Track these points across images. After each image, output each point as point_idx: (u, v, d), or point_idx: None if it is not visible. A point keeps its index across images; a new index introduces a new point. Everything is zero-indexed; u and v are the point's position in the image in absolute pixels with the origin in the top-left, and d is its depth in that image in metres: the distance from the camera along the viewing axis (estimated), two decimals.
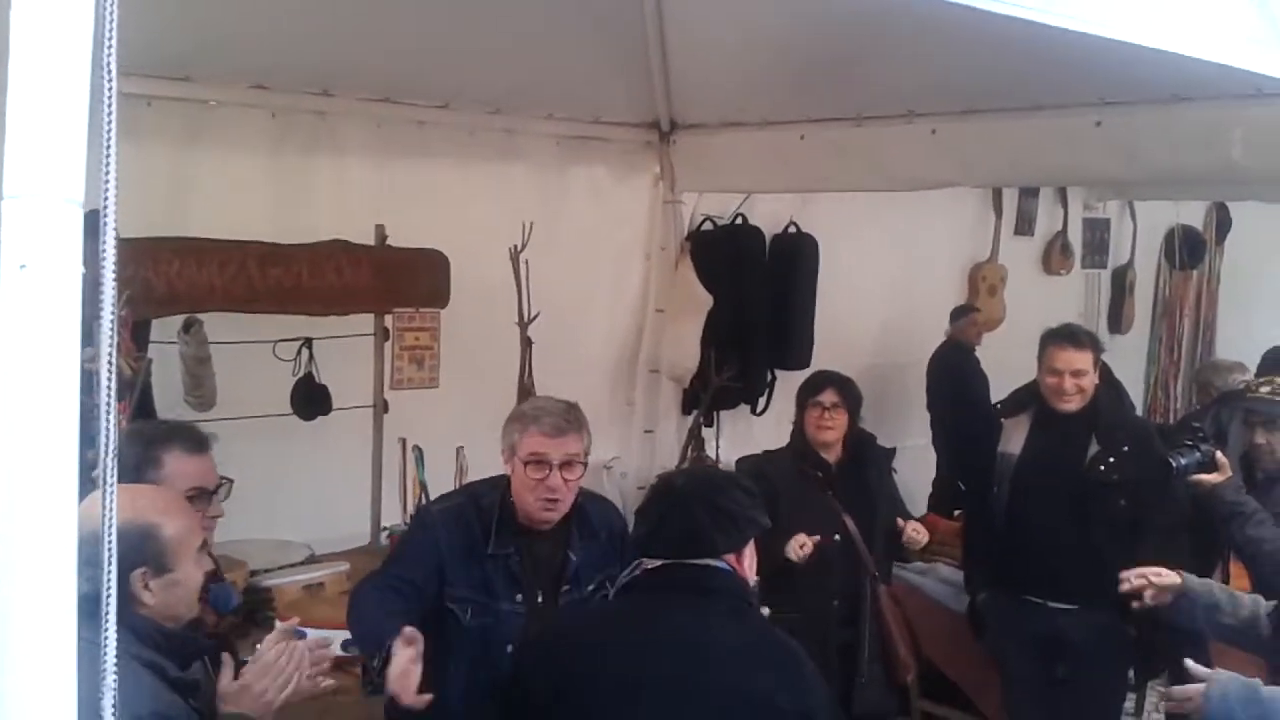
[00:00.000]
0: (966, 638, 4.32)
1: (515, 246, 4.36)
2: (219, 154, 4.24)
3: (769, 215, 5.85)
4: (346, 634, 3.51)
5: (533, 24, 4.24)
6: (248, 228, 4.01)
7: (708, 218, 5.76)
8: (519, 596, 2.77)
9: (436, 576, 2.77)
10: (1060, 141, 4.24)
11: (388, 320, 4.35)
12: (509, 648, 2.67)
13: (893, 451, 3.99)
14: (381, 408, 4.37)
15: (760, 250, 5.88)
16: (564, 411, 2.80)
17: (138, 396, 3.83)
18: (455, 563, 2.77)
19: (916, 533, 3.69)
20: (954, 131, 4.48)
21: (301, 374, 4.23)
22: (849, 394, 3.83)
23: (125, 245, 3.60)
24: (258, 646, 2.23)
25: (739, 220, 5.80)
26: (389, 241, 4.30)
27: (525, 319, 4.44)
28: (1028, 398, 3.89)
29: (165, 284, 3.78)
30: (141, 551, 1.89)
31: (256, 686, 2.11)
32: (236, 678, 2.12)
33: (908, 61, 4.30)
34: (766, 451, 4.03)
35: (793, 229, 5.91)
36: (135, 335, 3.77)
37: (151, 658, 1.90)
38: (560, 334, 4.87)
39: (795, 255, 5.91)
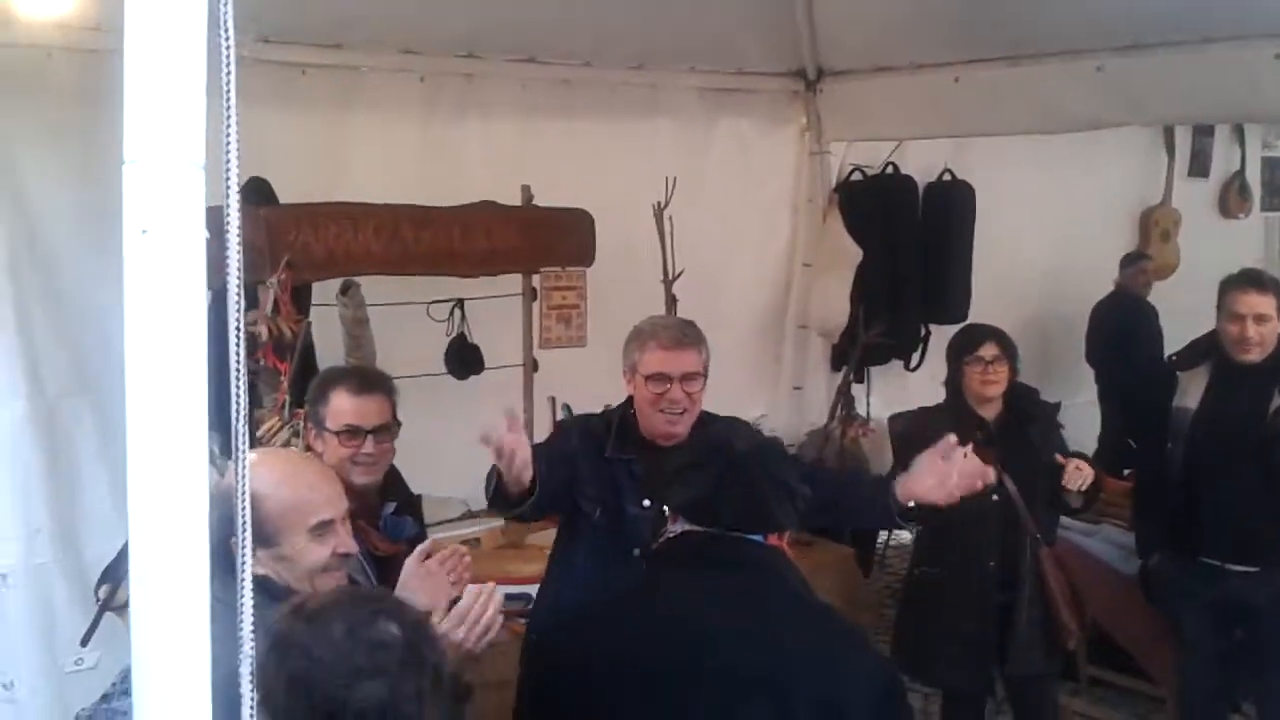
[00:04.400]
0: (1136, 601, 4.12)
1: (659, 203, 4.31)
2: (371, 119, 4.33)
3: (922, 163, 5.65)
4: (504, 589, 3.63)
5: None
6: (399, 191, 4.08)
7: (857, 168, 5.61)
8: (646, 502, 2.77)
9: (568, 471, 2.82)
10: (1237, 75, 3.96)
11: (535, 280, 4.38)
12: (636, 551, 2.68)
13: (1057, 406, 3.78)
14: (531, 366, 4.41)
15: (913, 200, 5.70)
16: (681, 326, 2.86)
17: (299, 357, 3.98)
18: (586, 463, 2.84)
19: (1079, 470, 3.45)
20: (1120, 68, 4.23)
21: (454, 334, 4.30)
22: (1008, 346, 3.65)
23: (284, 211, 3.73)
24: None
25: (890, 170, 5.63)
26: (535, 201, 4.32)
27: (670, 276, 4.39)
28: (1206, 348, 3.65)
29: (324, 248, 3.87)
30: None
31: (455, 635, 2.06)
32: None
33: None
34: (922, 409, 3.89)
35: (947, 177, 5.70)
36: (296, 299, 3.90)
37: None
38: (705, 290, 4.81)
39: (950, 204, 5.71)
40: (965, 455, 3.39)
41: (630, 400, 2.92)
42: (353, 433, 2.61)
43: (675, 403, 2.78)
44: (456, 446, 4.33)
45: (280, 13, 3.93)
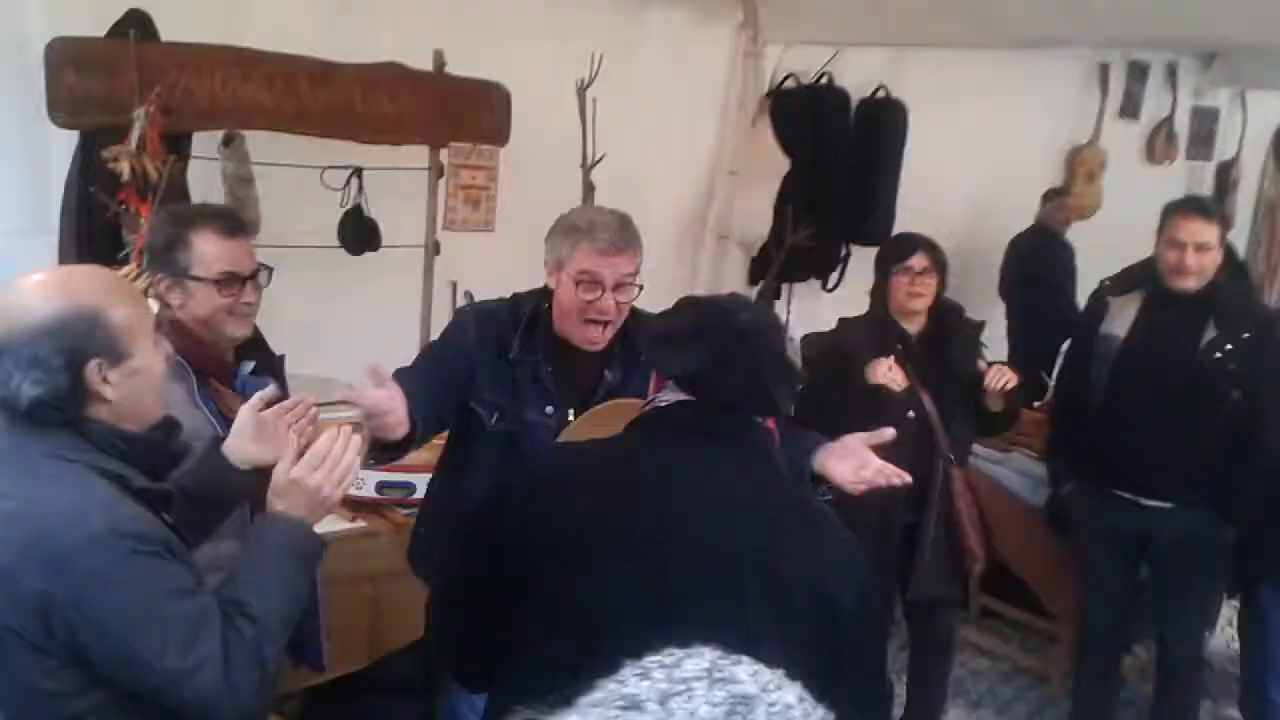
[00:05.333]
0: (1040, 534, 4.05)
1: (582, 80, 4.01)
2: None
3: (857, 78, 5.42)
4: (381, 477, 3.36)
5: None
6: (297, 43, 3.71)
7: (790, 75, 5.35)
8: (549, 408, 2.52)
9: (465, 373, 2.53)
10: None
11: (443, 156, 4.06)
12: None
13: (981, 324, 3.63)
14: (433, 248, 4.11)
15: (845, 114, 5.48)
16: (619, 227, 2.49)
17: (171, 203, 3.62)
18: (484, 363, 2.53)
19: (1001, 372, 3.32)
20: None
21: (350, 206, 3.97)
22: (939, 259, 3.48)
23: (163, 49, 3.32)
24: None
25: (824, 81, 5.39)
26: (448, 71, 3.98)
27: (588, 161, 4.11)
28: (1140, 276, 3.52)
29: (207, 95, 3.50)
30: (92, 340, 1.65)
31: (310, 480, 1.83)
32: None
33: None
34: (841, 319, 3.71)
35: (881, 94, 5.49)
36: (175, 146, 3.53)
37: (114, 468, 1.66)
38: (625, 186, 4.53)
39: (882, 122, 5.50)
40: (890, 368, 3.26)
41: (545, 293, 2.58)
42: (231, 279, 2.33)
43: (604, 311, 2.46)
44: (345, 325, 4.08)
45: None
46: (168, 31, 3.47)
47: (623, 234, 2.48)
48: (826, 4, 4.91)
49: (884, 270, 3.52)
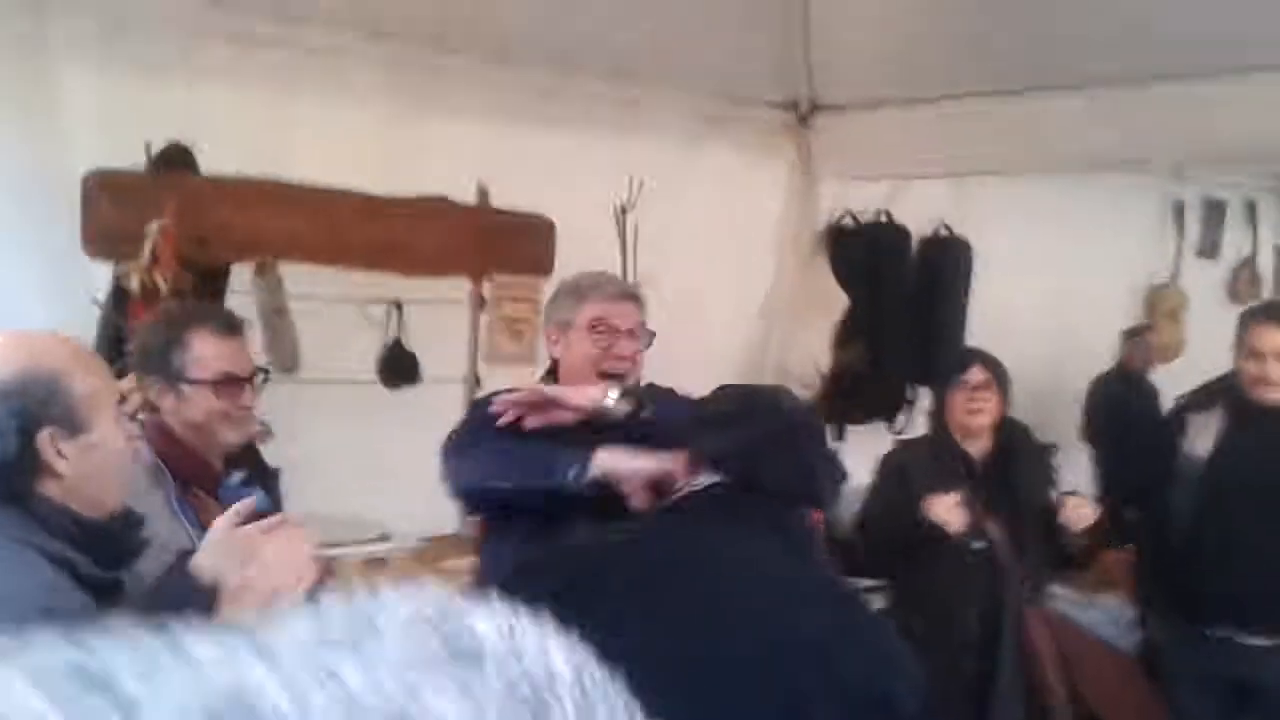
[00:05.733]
0: (1134, 680, 3.64)
1: (620, 204, 3.96)
2: (323, 100, 3.98)
3: (916, 211, 5.31)
4: None
5: None
6: (345, 178, 3.73)
7: (847, 212, 5.27)
8: (571, 471, 2.30)
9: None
10: (1243, 112, 3.62)
11: (485, 288, 4.00)
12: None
13: (1053, 448, 3.38)
14: (473, 382, 4.00)
15: (905, 251, 5.35)
16: (621, 280, 2.50)
17: None
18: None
19: (1079, 508, 3.05)
20: (1115, 102, 3.91)
21: (390, 339, 3.91)
22: (999, 373, 3.27)
23: (203, 181, 3.33)
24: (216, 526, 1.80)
25: (883, 217, 5.30)
26: (492, 202, 3.97)
27: None
28: (1220, 390, 3.25)
29: (247, 227, 3.52)
30: (48, 406, 1.53)
31: (261, 584, 1.67)
32: None
33: (1074, 22, 3.79)
34: (902, 441, 3.50)
35: (944, 231, 5.36)
36: (212, 279, 3.52)
37: (58, 550, 1.52)
38: (672, 316, 4.43)
39: (945, 260, 5.37)
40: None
41: (553, 371, 2.51)
42: (229, 380, 2.21)
43: (622, 358, 2.39)
44: (382, 463, 3.97)
45: None
46: (216, 162, 3.52)
47: (628, 286, 2.52)
48: (881, 138, 4.86)
49: (940, 387, 3.31)
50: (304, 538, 1.78)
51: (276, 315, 3.58)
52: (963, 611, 3.11)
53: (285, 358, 3.69)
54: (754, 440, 1.68)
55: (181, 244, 3.31)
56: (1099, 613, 3.90)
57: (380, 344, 3.90)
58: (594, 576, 1.52)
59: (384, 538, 3.63)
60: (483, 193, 3.95)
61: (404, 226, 3.78)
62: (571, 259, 4.06)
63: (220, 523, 1.88)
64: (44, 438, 1.54)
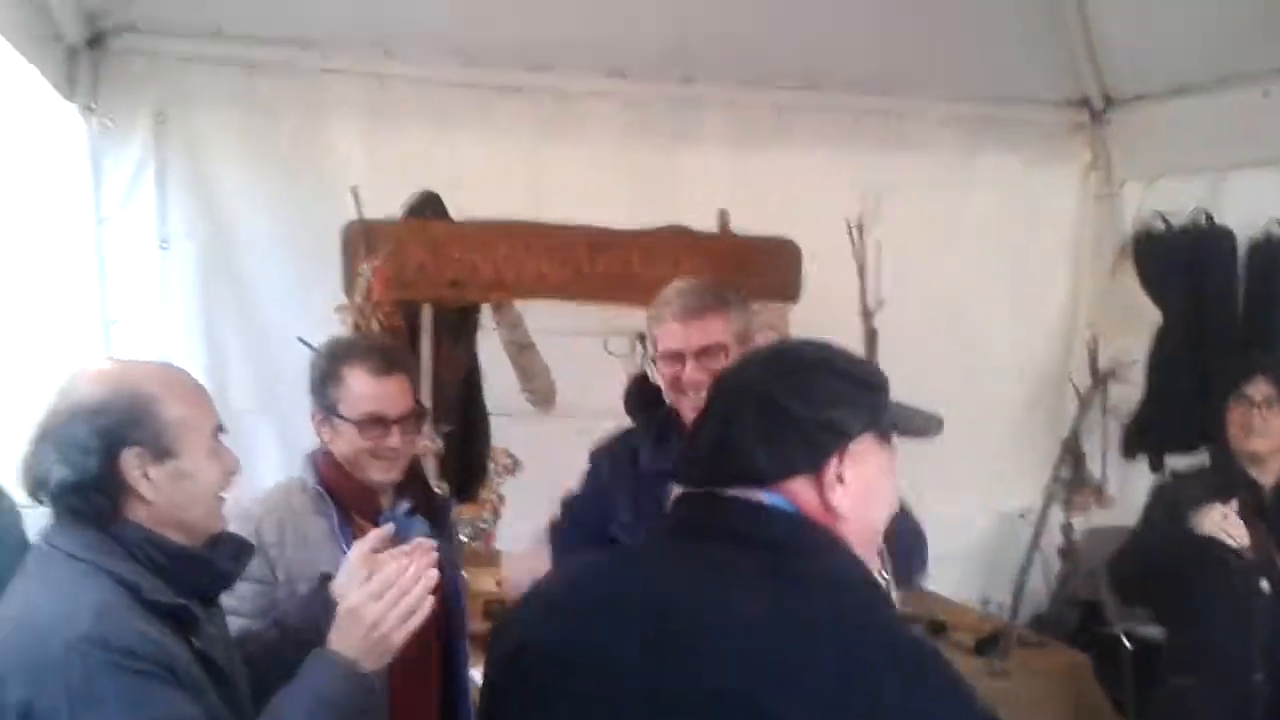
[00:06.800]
0: None
1: (853, 221, 3.76)
2: (569, 140, 4.10)
3: (1243, 208, 4.62)
4: None
5: None
6: (591, 215, 3.79)
7: (1158, 215, 4.69)
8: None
9: (599, 512, 2.38)
10: None
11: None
12: None
13: None
14: None
15: (1231, 255, 4.66)
16: (701, 290, 2.29)
17: (462, 386, 3.76)
18: (619, 488, 2.36)
19: None
20: None
21: (636, 372, 3.91)
22: None
23: (450, 226, 3.50)
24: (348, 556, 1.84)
25: (1202, 219, 4.66)
26: (733, 230, 3.89)
27: (868, 306, 3.78)
28: None
29: (492, 268, 3.65)
30: (134, 427, 1.54)
31: (367, 612, 1.66)
32: None
33: None
34: (1178, 473, 3.03)
35: (1277, 231, 4.63)
36: (463, 318, 3.70)
37: (129, 574, 1.52)
38: (944, 345, 4.19)
39: None
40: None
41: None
42: (375, 422, 2.23)
43: (694, 385, 2.21)
44: None
45: (482, 32, 3.86)
46: (473, 207, 3.68)
47: (704, 296, 2.28)
48: (1196, 126, 4.28)
49: (1220, 400, 2.84)
50: (429, 570, 1.77)
51: (523, 351, 3.69)
52: (1247, 665, 2.61)
53: (543, 395, 3.80)
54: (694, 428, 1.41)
55: (435, 286, 3.54)
56: None
57: (624, 377, 3.89)
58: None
59: None
60: (724, 220, 3.88)
61: (638, 258, 3.78)
62: (818, 282, 3.92)
63: (355, 549, 1.93)
64: (128, 458, 1.54)
